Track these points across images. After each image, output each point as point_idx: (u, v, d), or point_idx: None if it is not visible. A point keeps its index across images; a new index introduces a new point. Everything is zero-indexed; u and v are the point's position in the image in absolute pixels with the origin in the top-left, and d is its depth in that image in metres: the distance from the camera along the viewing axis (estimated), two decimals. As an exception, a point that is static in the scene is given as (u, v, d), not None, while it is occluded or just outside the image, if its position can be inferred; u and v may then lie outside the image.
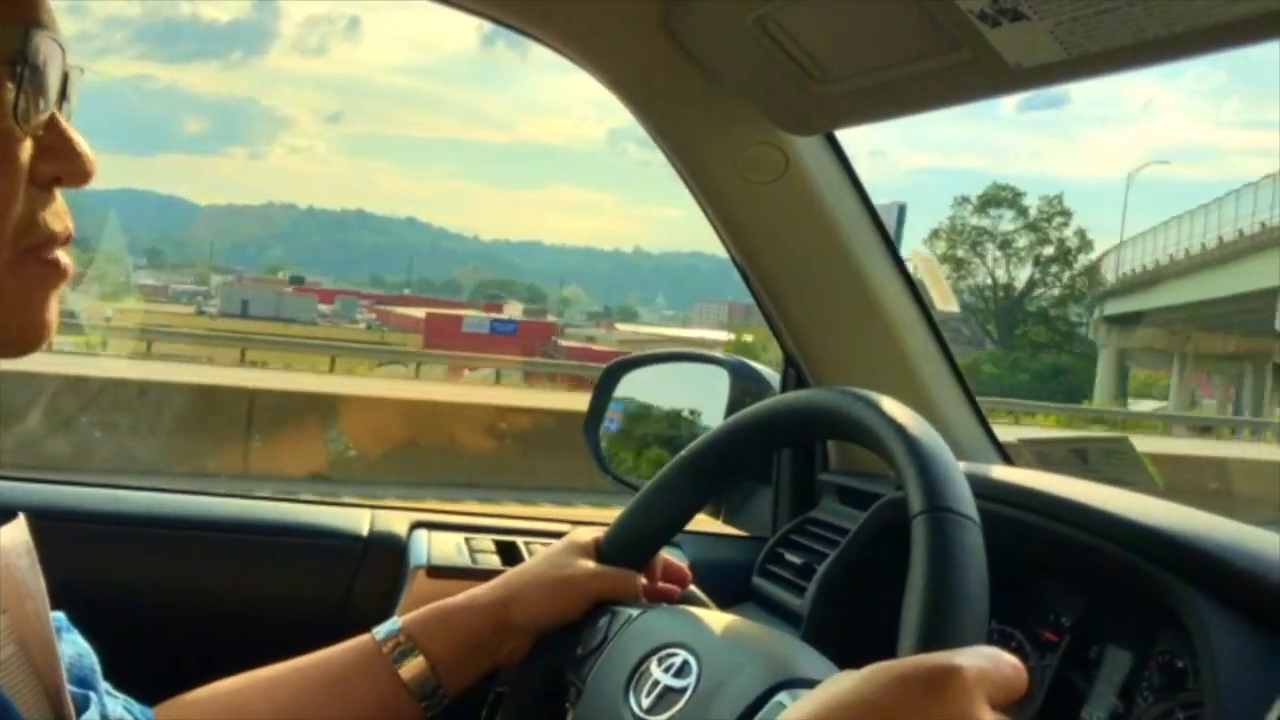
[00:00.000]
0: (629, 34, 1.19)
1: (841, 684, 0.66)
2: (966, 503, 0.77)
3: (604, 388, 1.81)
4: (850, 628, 1.21)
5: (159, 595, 1.31)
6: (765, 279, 1.40)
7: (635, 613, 0.98)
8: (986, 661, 0.65)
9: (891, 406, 0.86)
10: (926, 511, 0.75)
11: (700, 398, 1.74)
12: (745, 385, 1.59)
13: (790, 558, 1.39)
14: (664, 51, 1.19)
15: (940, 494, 0.76)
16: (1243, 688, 0.80)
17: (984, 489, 1.14)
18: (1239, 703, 0.79)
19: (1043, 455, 1.43)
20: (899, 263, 1.39)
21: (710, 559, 1.51)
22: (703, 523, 1.68)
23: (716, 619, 0.96)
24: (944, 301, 1.55)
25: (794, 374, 1.50)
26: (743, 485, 1.66)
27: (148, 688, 0.92)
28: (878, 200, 1.35)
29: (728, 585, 1.45)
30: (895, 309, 1.38)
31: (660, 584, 1.06)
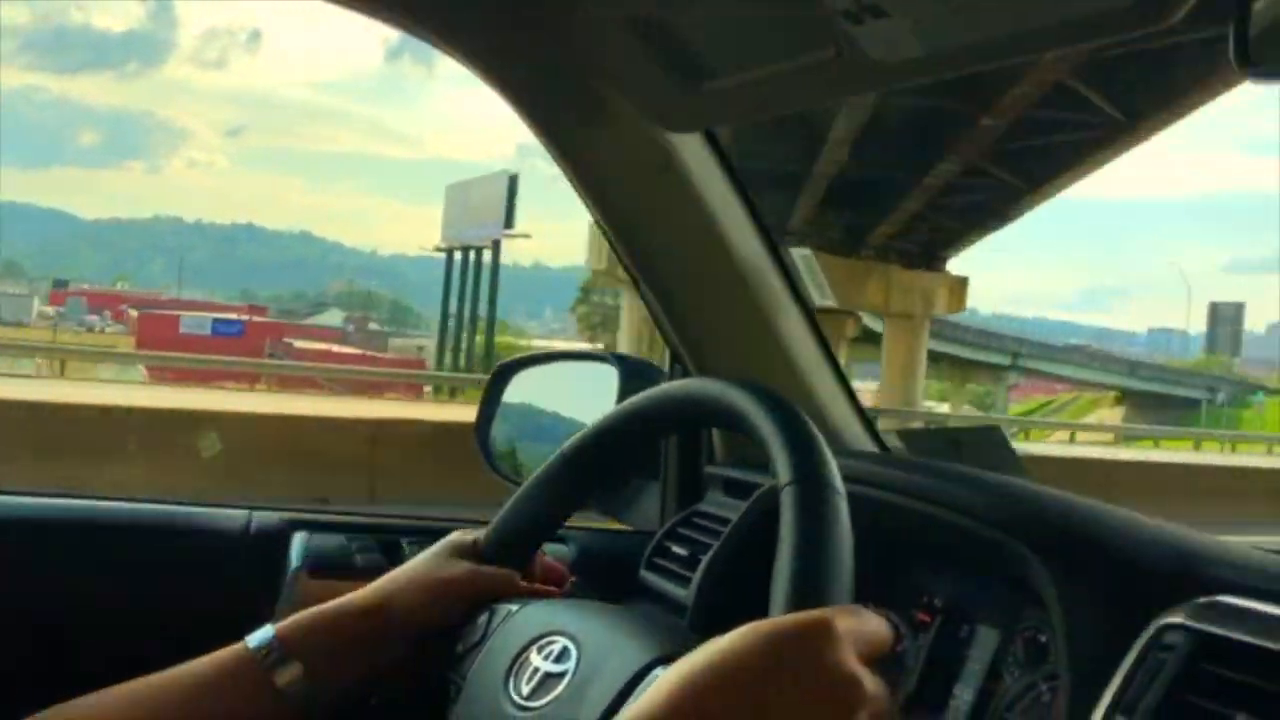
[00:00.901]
0: (510, 31, 1.19)
1: (713, 645, 0.67)
2: (831, 472, 0.79)
3: (493, 389, 1.81)
4: (734, 615, 1.23)
5: (16, 603, 1.25)
6: (650, 275, 1.42)
7: (515, 607, 0.98)
8: (854, 617, 0.68)
9: (759, 389, 0.88)
10: (793, 482, 0.78)
11: (590, 395, 1.75)
12: (633, 381, 1.60)
13: (676, 550, 1.41)
14: (544, 48, 1.19)
15: (806, 465, 0.79)
16: (1093, 656, 0.84)
17: (859, 474, 1.17)
18: (1089, 671, 0.83)
19: (919, 445, 1.47)
20: (779, 259, 1.42)
21: (599, 554, 1.53)
22: (594, 519, 1.69)
23: (596, 608, 0.97)
24: (823, 296, 1.58)
25: (680, 369, 1.51)
26: (632, 482, 1.67)
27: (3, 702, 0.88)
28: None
29: (616, 580, 1.46)
30: (776, 303, 1.41)
31: (539, 585, 1.07)
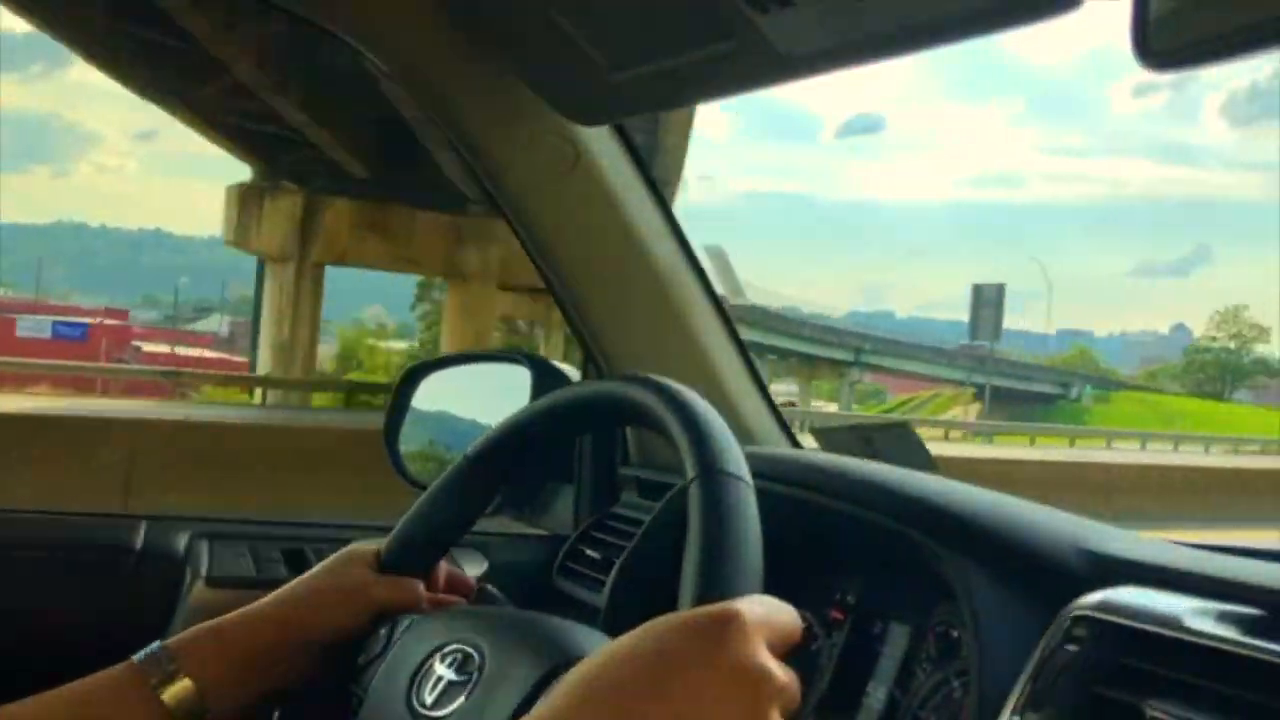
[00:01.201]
0: (410, 18, 1.16)
1: (618, 642, 0.65)
2: (738, 464, 0.78)
3: (403, 392, 1.76)
4: (649, 618, 1.21)
5: None
6: (560, 272, 1.39)
7: (417, 617, 0.95)
8: (763, 607, 0.66)
9: (666, 385, 0.87)
10: (699, 475, 0.77)
11: (502, 398, 1.71)
12: (546, 382, 1.57)
13: (590, 554, 1.39)
14: (446, 36, 1.16)
15: (713, 457, 0.78)
16: (1004, 650, 0.84)
17: (772, 471, 1.16)
18: (1000, 664, 0.82)
19: (832, 442, 1.47)
20: (691, 256, 1.41)
21: (511, 561, 1.50)
22: (506, 525, 1.66)
23: (502, 615, 0.95)
24: (735, 295, 1.57)
25: (593, 368, 1.49)
26: (546, 485, 1.65)
27: None
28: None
29: (529, 586, 1.44)
30: (689, 301, 1.40)
31: (442, 596, 1.03)
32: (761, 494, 0.79)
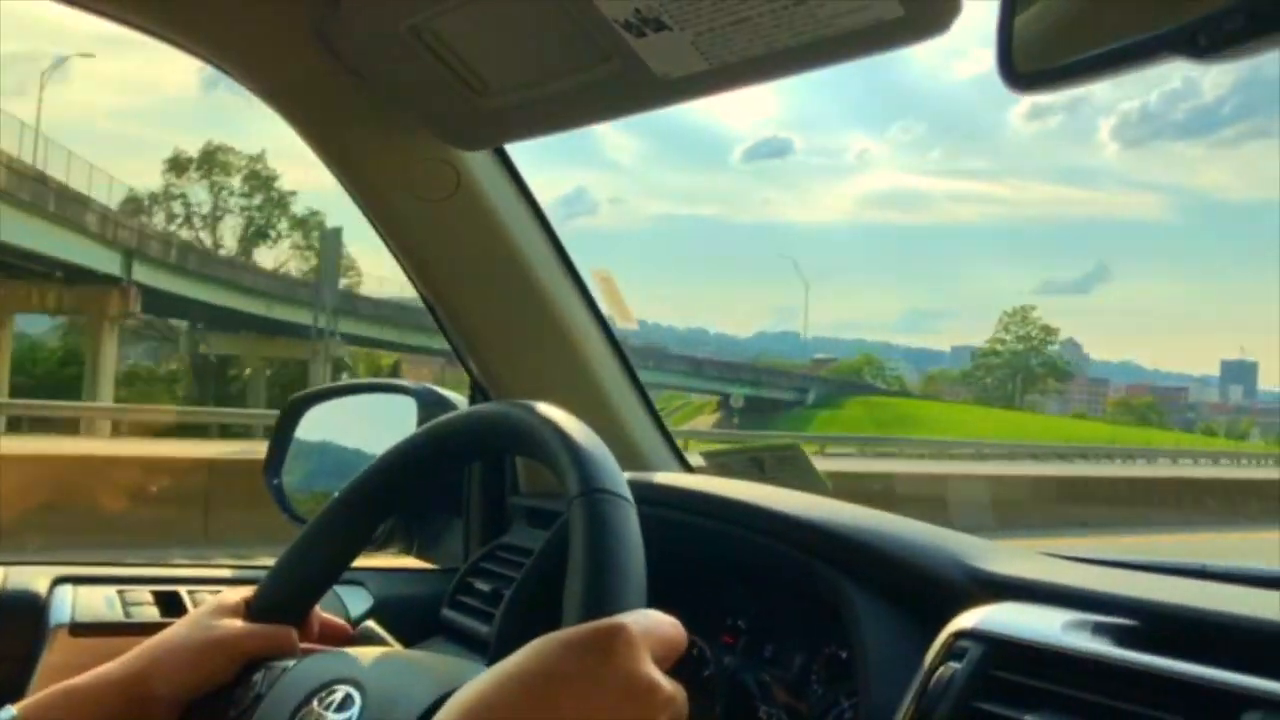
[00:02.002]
0: (279, 42, 1.13)
1: (507, 661, 0.64)
2: (618, 483, 0.77)
3: (285, 425, 1.71)
4: None
5: None
6: (443, 299, 1.37)
7: (291, 662, 0.92)
8: (647, 620, 0.66)
9: (544, 408, 0.86)
10: (581, 495, 0.76)
11: (389, 428, 1.67)
12: (432, 412, 1.54)
13: (480, 586, 1.36)
14: (319, 62, 1.13)
15: (592, 477, 0.77)
16: (890, 669, 0.84)
17: (661, 496, 1.15)
18: (886, 683, 0.83)
19: (723, 466, 1.47)
20: (578, 280, 1.39)
21: (399, 596, 1.46)
22: (395, 559, 1.62)
23: (383, 653, 0.91)
24: (624, 319, 1.57)
25: (480, 396, 1.47)
26: (435, 518, 1.61)
27: None
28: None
29: (418, 621, 1.40)
30: (576, 326, 1.39)
31: (315, 646, 1.00)
32: (652, 520, 0.78)
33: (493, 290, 1.35)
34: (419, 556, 1.62)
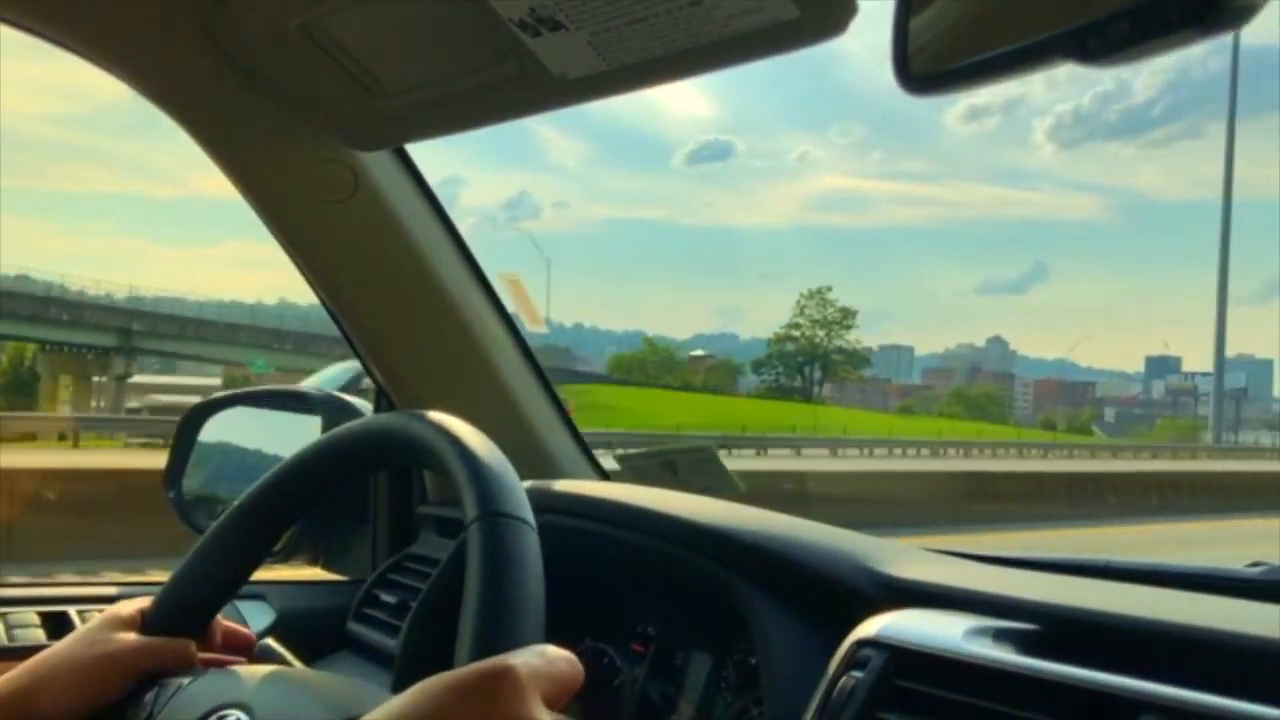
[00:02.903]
0: (166, 40, 1.08)
1: (394, 703, 0.62)
2: (520, 506, 0.75)
3: (185, 433, 1.66)
4: (444, 664, 1.16)
5: None
6: (344, 304, 1.33)
7: (185, 681, 0.88)
8: (539, 660, 0.64)
9: (446, 420, 0.83)
10: (479, 518, 0.74)
11: (294, 435, 1.63)
12: (337, 419, 1.50)
13: (386, 598, 1.32)
14: (209, 61, 1.08)
15: (491, 498, 0.75)
16: (796, 677, 0.83)
17: (570, 505, 1.13)
18: (792, 692, 0.82)
19: (637, 469, 1.45)
20: (485, 283, 1.36)
21: (303, 609, 1.41)
22: (301, 570, 1.57)
23: (276, 674, 0.88)
24: (533, 322, 1.54)
25: (386, 404, 1.43)
26: (341, 527, 1.57)
27: None
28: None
29: (323, 635, 1.36)
30: (483, 330, 1.36)
31: (217, 655, 0.96)
32: (560, 529, 0.77)
33: (395, 294, 1.31)
34: (326, 568, 1.58)
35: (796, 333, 63.05)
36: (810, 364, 62.95)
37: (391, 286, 1.30)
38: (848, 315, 63.33)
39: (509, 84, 0.95)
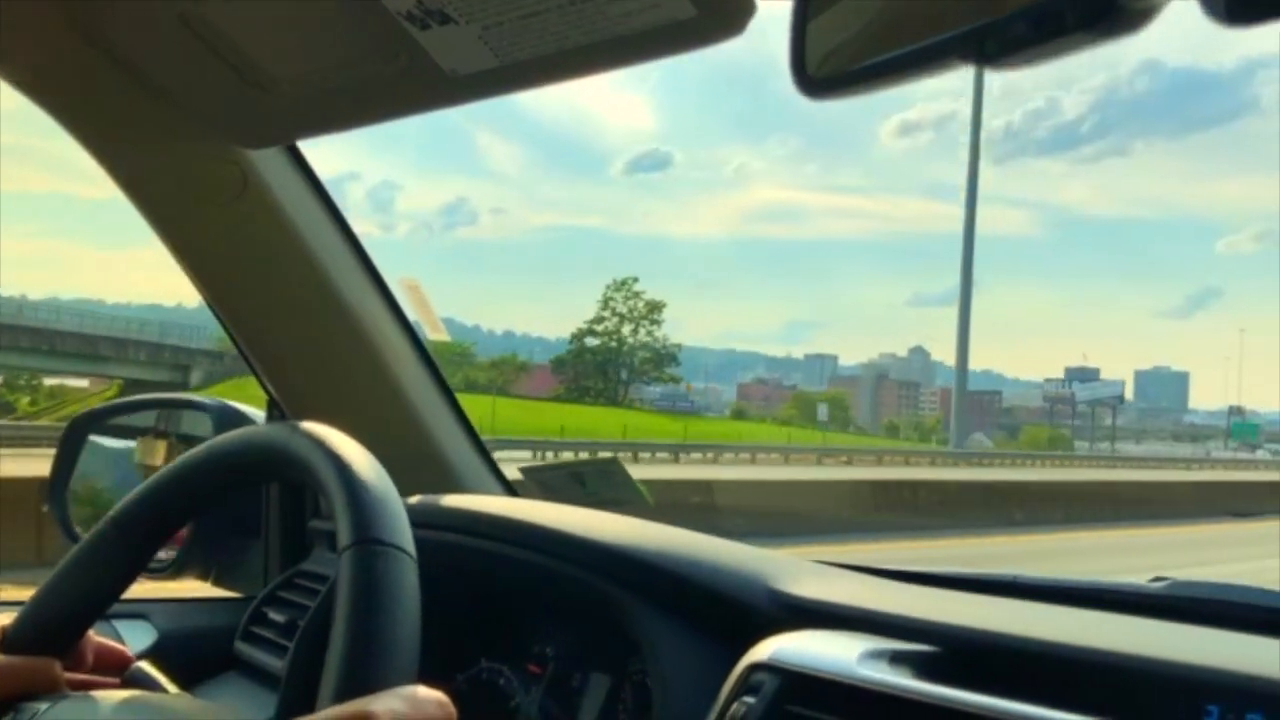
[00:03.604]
0: (38, 31, 1.01)
1: None
2: (398, 533, 0.70)
3: (69, 444, 1.58)
4: None
5: None
6: (233, 310, 1.26)
7: (44, 706, 0.82)
8: (405, 704, 0.60)
9: (328, 435, 0.79)
10: (352, 545, 0.69)
11: (182, 445, 1.56)
12: (227, 428, 1.44)
13: (275, 617, 1.26)
14: (82, 53, 1.02)
15: (368, 524, 0.70)
16: (691, 699, 0.80)
17: (464, 523, 1.09)
18: (686, 713, 0.78)
19: (543, 482, 1.41)
20: (383, 288, 1.31)
21: (188, 628, 1.35)
22: (191, 587, 1.50)
23: (138, 701, 0.82)
24: (434, 330, 1.49)
25: (278, 413, 1.37)
26: (234, 540, 1.50)
27: None
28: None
29: (209, 655, 1.30)
30: (381, 338, 1.30)
31: (88, 676, 0.90)
32: (454, 547, 0.73)
33: (287, 299, 1.25)
34: (217, 584, 1.51)
35: (600, 327, 55.31)
36: (615, 364, 55.56)
37: (283, 292, 1.24)
38: (655, 309, 56.17)
39: (398, 79, 0.90)
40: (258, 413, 1.44)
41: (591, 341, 55.81)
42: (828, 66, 0.67)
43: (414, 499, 1.15)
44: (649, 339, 55.76)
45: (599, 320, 55.31)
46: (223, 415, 1.44)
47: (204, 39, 0.94)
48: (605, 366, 54.86)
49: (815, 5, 0.66)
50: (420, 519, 1.09)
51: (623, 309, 55.83)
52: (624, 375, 55.38)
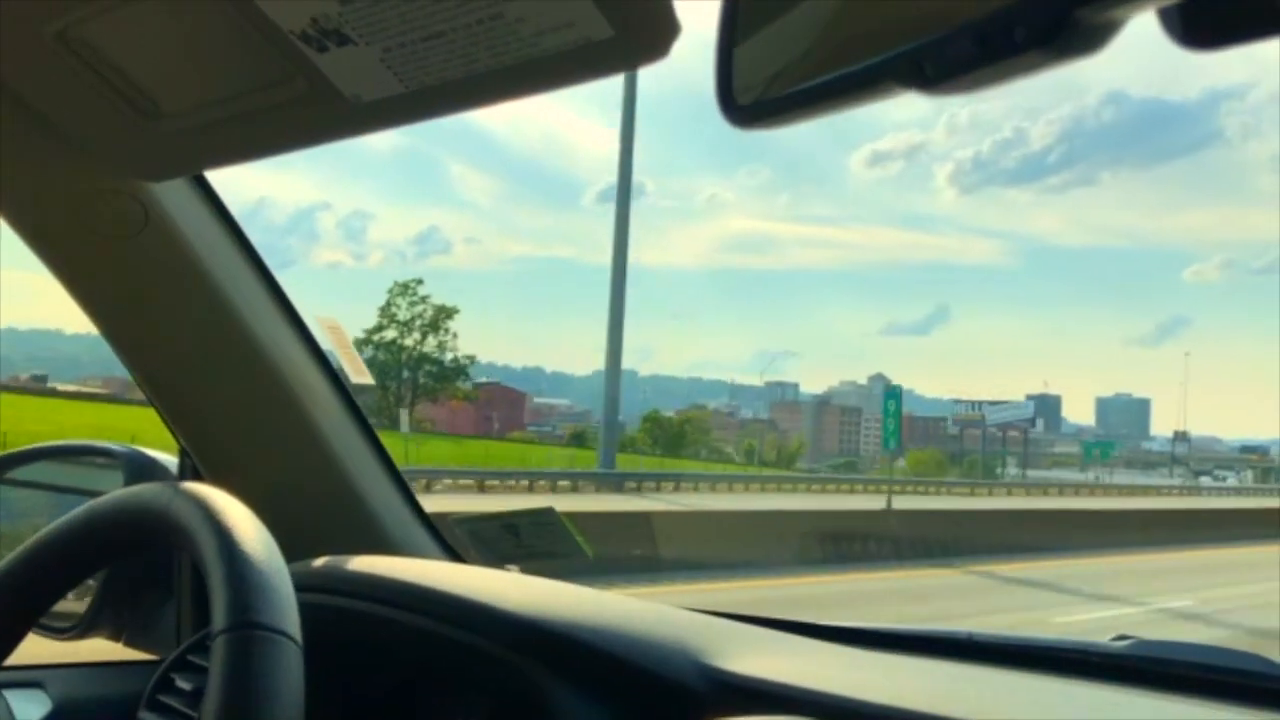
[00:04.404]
0: None
1: None
2: (280, 616, 0.63)
3: (-25, 491, 1.49)
4: None
5: None
6: (137, 353, 1.18)
7: None
8: None
9: (212, 501, 0.72)
10: (228, 629, 0.62)
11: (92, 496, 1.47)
12: (139, 478, 1.35)
13: (182, 684, 1.17)
14: None
15: (248, 607, 0.63)
16: None
17: (367, 588, 1.00)
18: None
19: (476, 534, 1.33)
20: (302, 329, 1.23)
21: (89, 696, 1.25)
22: (98, 650, 1.41)
23: None
24: (358, 374, 1.41)
25: (190, 465, 1.28)
26: (147, 598, 1.41)
27: None
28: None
29: None
30: (298, 381, 1.22)
31: None
32: (356, 615, 0.65)
33: (195, 340, 1.16)
34: (130, 645, 1.41)
35: (377, 338, 46.03)
36: (396, 379, 46.69)
37: (190, 332, 1.16)
38: (444, 313, 47.00)
39: (299, 106, 0.83)
40: (171, 460, 1.35)
41: (366, 354, 44.35)
42: (756, 93, 0.61)
43: (318, 561, 1.07)
44: (435, 350, 46.94)
45: (378, 330, 46.22)
46: (133, 464, 1.35)
47: (85, 60, 0.86)
48: (384, 382, 45.43)
49: (742, 28, 0.61)
50: (321, 583, 1.01)
51: (405, 316, 46.76)
52: (401, 391, 46.44)
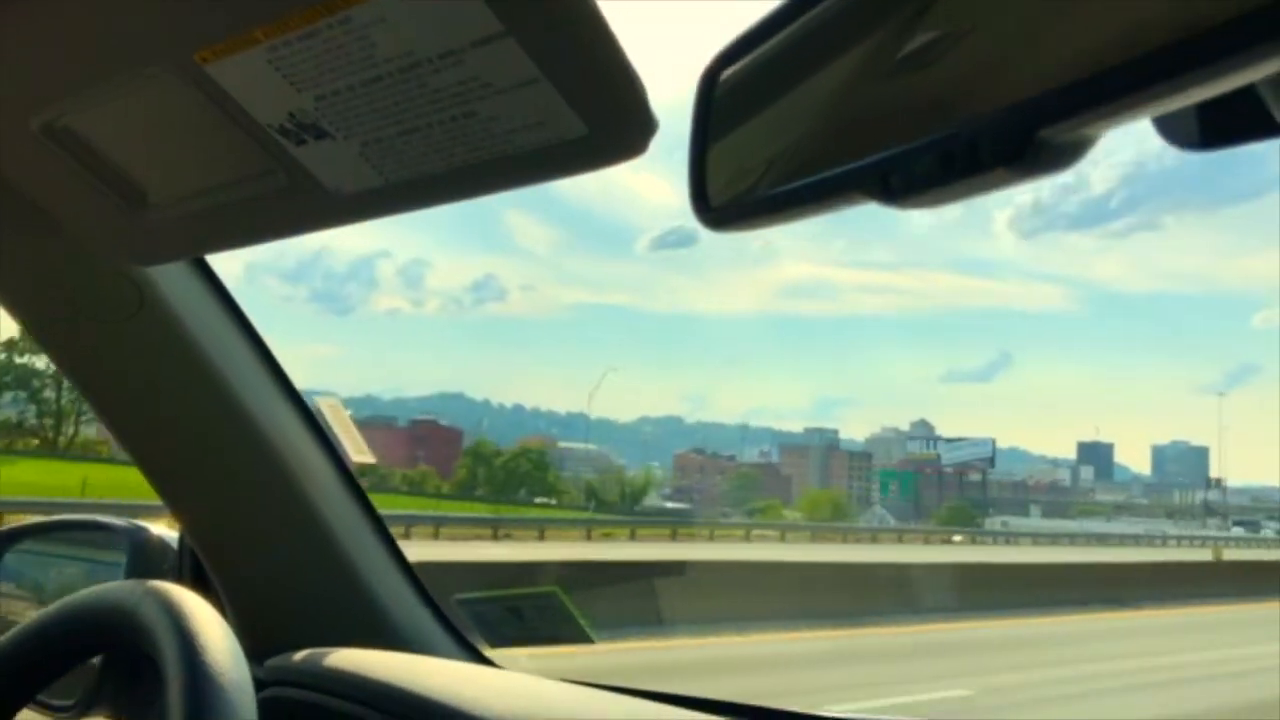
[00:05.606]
0: None
1: None
2: None
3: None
4: None
5: None
6: (136, 438, 1.17)
7: None
8: None
9: (178, 602, 0.70)
10: None
11: (97, 572, 1.46)
12: (141, 554, 1.34)
13: None
14: None
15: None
16: None
17: (347, 687, 0.98)
18: None
19: (479, 616, 1.30)
20: (303, 410, 1.21)
21: None
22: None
23: None
24: (358, 453, 1.39)
25: (188, 549, 1.26)
26: (149, 673, 1.39)
27: None
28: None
29: None
30: (298, 463, 1.20)
31: None
32: (336, 716, 0.62)
33: (192, 423, 1.15)
34: (131, 724, 1.39)
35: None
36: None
37: (188, 415, 1.15)
38: None
39: (281, 197, 0.82)
40: (173, 536, 1.34)
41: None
42: (728, 196, 0.59)
43: (299, 654, 1.05)
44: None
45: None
46: (136, 541, 1.34)
47: (71, 151, 0.86)
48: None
49: (715, 132, 0.59)
50: (295, 678, 0.98)
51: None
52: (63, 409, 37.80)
